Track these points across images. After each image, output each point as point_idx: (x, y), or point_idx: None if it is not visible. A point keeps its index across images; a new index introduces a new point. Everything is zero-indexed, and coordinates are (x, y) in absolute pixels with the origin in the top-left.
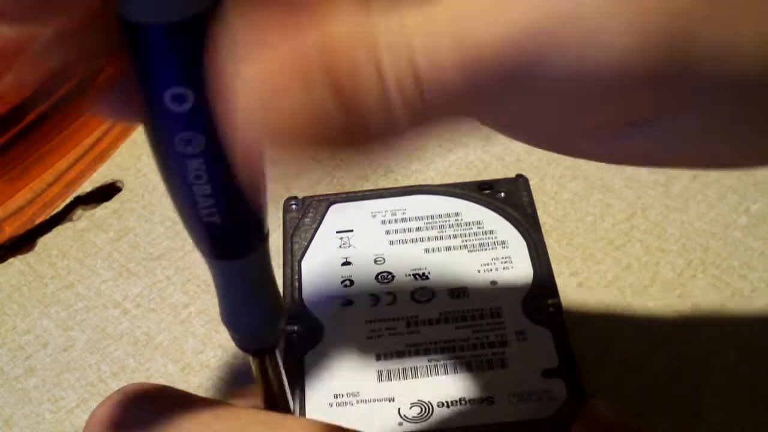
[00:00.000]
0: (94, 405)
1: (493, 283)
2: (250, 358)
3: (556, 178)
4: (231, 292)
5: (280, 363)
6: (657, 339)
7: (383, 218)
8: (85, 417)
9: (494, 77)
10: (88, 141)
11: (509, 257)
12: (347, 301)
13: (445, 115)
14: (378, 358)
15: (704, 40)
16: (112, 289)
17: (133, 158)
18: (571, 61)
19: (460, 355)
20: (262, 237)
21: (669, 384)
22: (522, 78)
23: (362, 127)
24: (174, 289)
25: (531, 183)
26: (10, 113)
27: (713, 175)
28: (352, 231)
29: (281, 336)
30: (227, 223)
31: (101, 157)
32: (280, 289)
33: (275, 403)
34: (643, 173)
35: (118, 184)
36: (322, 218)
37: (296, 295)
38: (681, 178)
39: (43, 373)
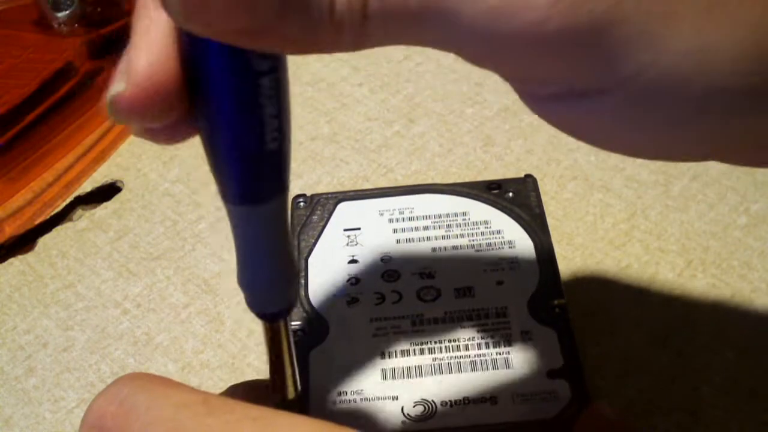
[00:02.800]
0: None
1: (500, 282)
2: (263, 325)
3: (556, 178)
4: (252, 246)
5: (290, 335)
6: (657, 339)
7: (391, 217)
8: None
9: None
10: (88, 141)
11: (516, 257)
12: (353, 299)
13: (386, 35)
14: (382, 356)
15: (630, 26)
16: (112, 289)
17: (133, 158)
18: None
19: (464, 354)
20: (288, 181)
21: (669, 384)
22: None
23: (301, 26)
24: (174, 289)
25: None
26: (10, 113)
27: (713, 174)
28: (359, 229)
29: (294, 301)
30: (285, 147)
31: (101, 157)
32: None
33: (284, 373)
34: (643, 173)
35: (118, 184)
36: (330, 216)
37: (302, 292)
38: (681, 178)
39: (43, 373)
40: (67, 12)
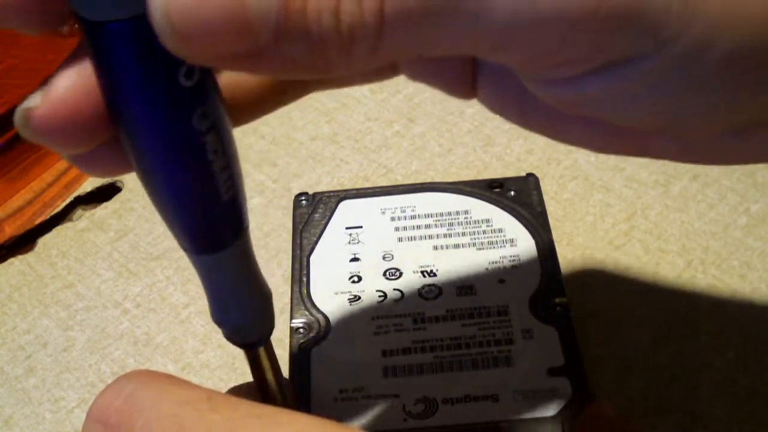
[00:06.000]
0: None
1: (501, 281)
2: (244, 352)
3: (556, 178)
4: (219, 288)
5: (274, 356)
6: (657, 339)
7: (392, 215)
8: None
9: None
10: None
11: (518, 256)
12: (355, 297)
13: (405, 41)
14: (384, 354)
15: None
16: (112, 289)
17: None
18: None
19: (466, 352)
20: (246, 223)
21: (669, 384)
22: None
23: (309, 45)
24: (174, 289)
25: None
26: (10, 113)
27: (713, 175)
28: (361, 227)
29: (272, 328)
30: (238, 196)
31: None
32: (289, 285)
33: (271, 397)
34: (643, 173)
35: (118, 184)
36: (332, 214)
37: (304, 290)
38: (681, 178)
39: (43, 373)
40: None
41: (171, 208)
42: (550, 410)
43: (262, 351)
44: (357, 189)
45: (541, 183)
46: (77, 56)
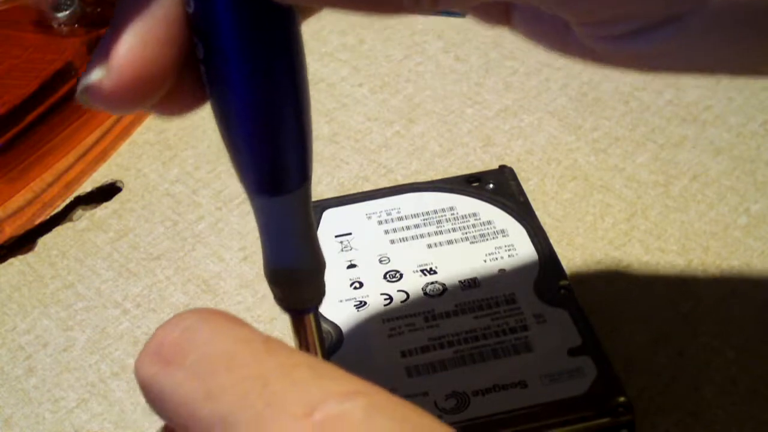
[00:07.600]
0: (94, 405)
1: (501, 270)
2: (291, 320)
3: (556, 178)
4: (280, 234)
5: (320, 326)
6: (657, 339)
7: (379, 219)
8: (85, 417)
9: None
10: (88, 141)
11: (512, 244)
12: (361, 303)
13: None
14: (403, 355)
15: None
16: (112, 289)
17: (133, 158)
18: None
19: (484, 343)
20: (311, 170)
21: (669, 384)
22: None
23: None
24: (174, 289)
25: (530, 183)
26: (10, 113)
27: (713, 175)
28: (350, 234)
29: (323, 295)
30: (310, 138)
31: (101, 157)
32: None
33: None
34: (643, 173)
35: (118, 184)
36: (318, 224)
37: None
38: (681, 178)
39: (43, 373)
40: (67, 12)
41: (249, 136)
42: (580, 389)
43: (311, 318)
44: (337, 197)
45: (541, 183)
46: (129, 8)
